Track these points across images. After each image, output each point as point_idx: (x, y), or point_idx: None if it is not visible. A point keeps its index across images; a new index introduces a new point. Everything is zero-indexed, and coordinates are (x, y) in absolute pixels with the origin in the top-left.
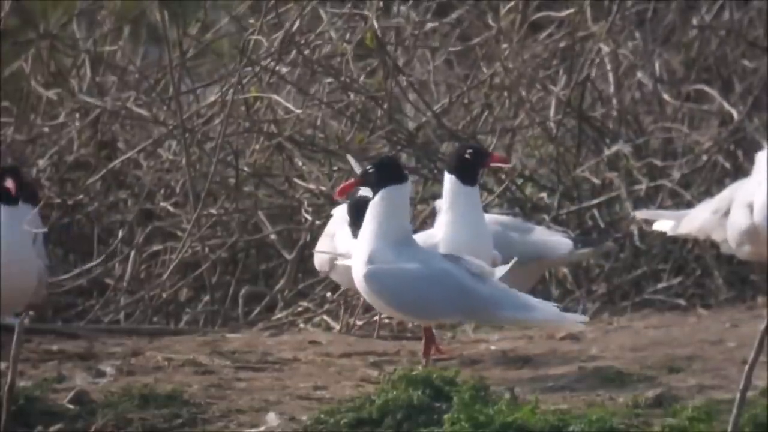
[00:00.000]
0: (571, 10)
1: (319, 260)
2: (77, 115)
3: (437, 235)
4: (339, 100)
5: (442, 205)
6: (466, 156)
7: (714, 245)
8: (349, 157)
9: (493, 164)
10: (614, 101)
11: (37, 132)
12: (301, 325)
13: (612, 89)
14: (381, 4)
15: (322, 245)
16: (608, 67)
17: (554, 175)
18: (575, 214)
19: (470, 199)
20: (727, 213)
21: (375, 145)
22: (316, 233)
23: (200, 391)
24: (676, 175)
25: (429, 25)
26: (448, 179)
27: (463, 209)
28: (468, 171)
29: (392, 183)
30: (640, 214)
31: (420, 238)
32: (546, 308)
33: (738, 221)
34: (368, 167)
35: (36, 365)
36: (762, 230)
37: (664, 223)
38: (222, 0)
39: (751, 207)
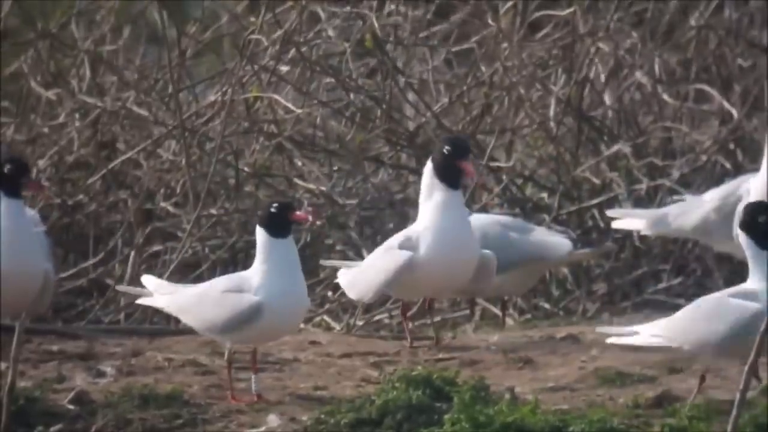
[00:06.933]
0: (571, 10)
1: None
2: (77, 115)
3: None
4: (338, 100)
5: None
6: None
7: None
8: None
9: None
10: (612, 101)
11: (37, 132)
12: (302, 326)
13: (611, 89)
14: (375, 3)
15: None
16: (607, 66)
17: (554, 175)
18: (575, 214)
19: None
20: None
21: (374, 144)
22: (316, 233)
23: (200, 391)
24: (676, 174)
25: (430, 29)
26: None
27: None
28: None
29: None
30: (611, 213)
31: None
32: None
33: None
34: None
35: (36, 365)
36: None
37: (634, 222)
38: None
39: (748, 192)
